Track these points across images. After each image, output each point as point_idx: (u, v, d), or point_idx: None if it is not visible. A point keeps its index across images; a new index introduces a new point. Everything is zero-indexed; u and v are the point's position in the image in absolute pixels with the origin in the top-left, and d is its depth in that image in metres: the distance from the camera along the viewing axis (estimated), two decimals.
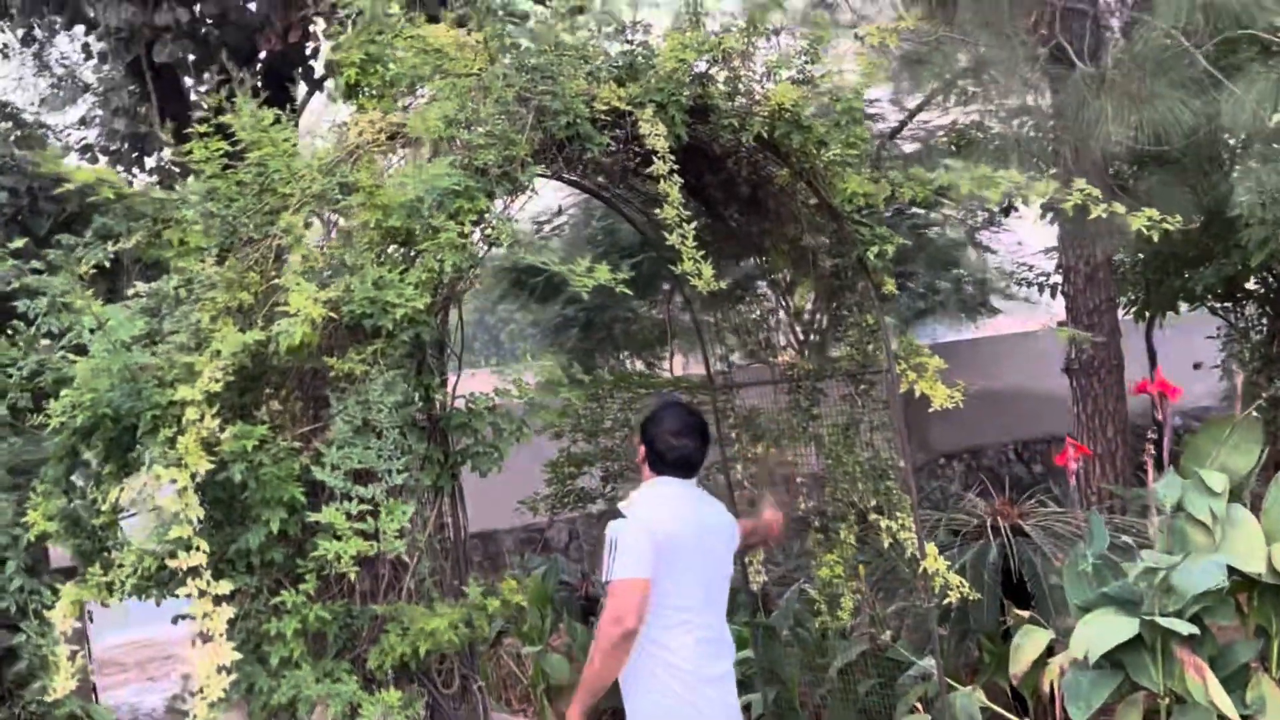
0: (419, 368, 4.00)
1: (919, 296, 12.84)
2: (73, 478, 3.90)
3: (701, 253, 3.84)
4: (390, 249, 3.90)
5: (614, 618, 3.87)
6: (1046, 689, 4.88)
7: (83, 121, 11.69)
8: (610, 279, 3.60)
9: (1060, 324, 9.22)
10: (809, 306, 5.40)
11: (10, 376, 3.72)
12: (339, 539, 3.44)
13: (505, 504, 10.71)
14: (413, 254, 3.83)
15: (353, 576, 3.59)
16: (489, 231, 3.87)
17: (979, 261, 12.12)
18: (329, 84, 8.39)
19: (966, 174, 4.58)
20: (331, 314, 3.64)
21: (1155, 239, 4.45)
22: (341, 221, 4.10)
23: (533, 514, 10.90)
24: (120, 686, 12.28)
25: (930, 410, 4.84)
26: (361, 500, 3.49)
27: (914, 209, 12.18)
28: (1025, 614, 5.19)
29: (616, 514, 4.01)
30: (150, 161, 10.31)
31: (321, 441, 3.71)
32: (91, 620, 11.94)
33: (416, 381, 3.96)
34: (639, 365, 14.38)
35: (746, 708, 6.72)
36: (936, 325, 16.54)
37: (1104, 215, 4.38)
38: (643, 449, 4.17)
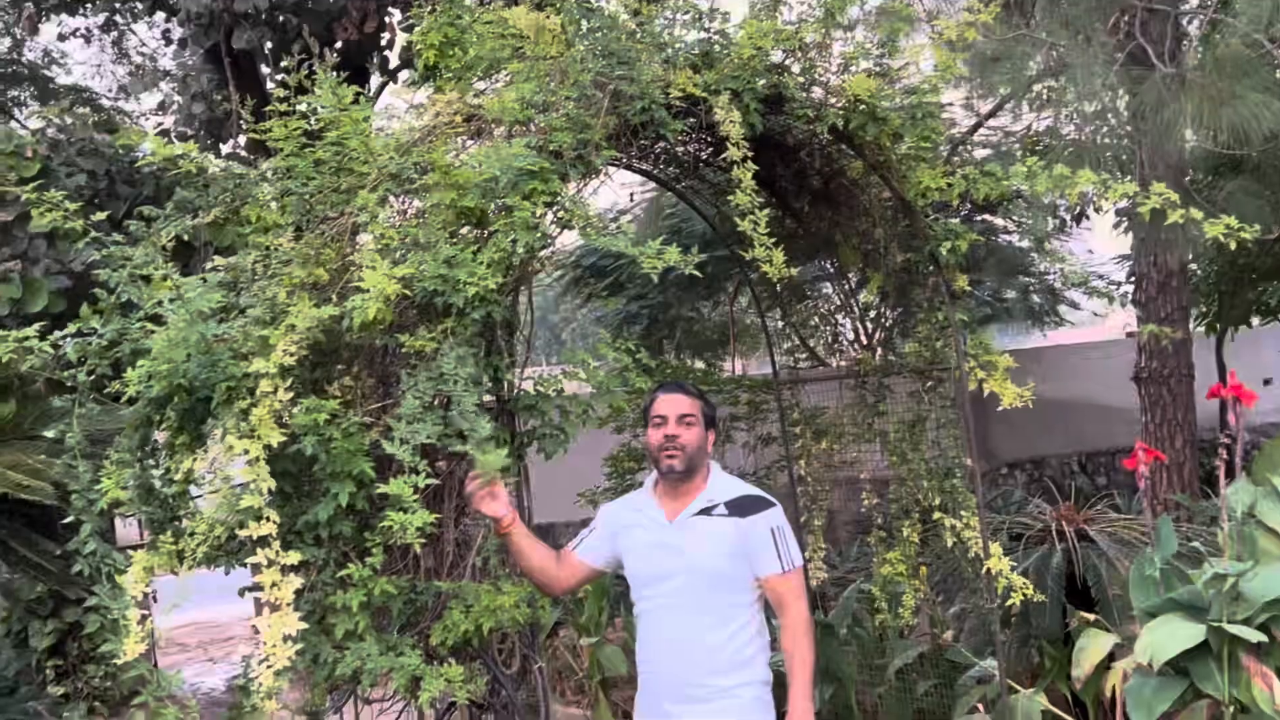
0: (488, 348, 4.03)
1: (985, 303, 12.75)
2: (146, 447, 3.96)
3: (773, 240, 3.83)
4: (463, 230, 3.94)
5: (808, 603, 3.73)
6: (1108, 694, 4.81)
7: (161, 107, 11.89)
8: (680, 260, 3.59)
9: (1131, 333, 9.10)
10: (877, 302, 5.37)
11: (90, 344, 3.78)
12: (406, 512, 3.48)
13: (564, 497, 10.74)
14: (485, 234, 3.86)
15: (418, 549, 3.62)
16: (561, 214, 3.88)
17: (1055, 259, 11.92)
18: (405, 73, 8.47)
19: (1043, 173, 4.53)
20: (404, 291, 3.68)
21: (1232, 246, 4.37)
22: (416, 202, 4.15)
23: (592, 507, 10.94)
24: (181, 666, 12.45)
25: (999, 409, 4.80)
26: (431, 474, 3.52)
27: (983, 215, 12.12)
28: (1090, 617, 5.13)
29: (760, 503, 3.74)
30: (225, 148, 10.46)
31: (391, 417, 3.75)
32: (155, 599, 12.12)
33: (486, 362, 3.99)
34: (699, 365, 14.38)
35: None
36: (1002, 333, 16.41)
37: (1180, 221, 4.30)
38: (712, 437, 3.90)
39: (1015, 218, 11.39)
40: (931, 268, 4.83)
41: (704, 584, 3.67)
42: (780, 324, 6.04)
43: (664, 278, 12.81)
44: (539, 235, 3.69)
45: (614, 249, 3.77)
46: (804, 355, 5.96)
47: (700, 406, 3.82)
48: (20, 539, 4.36)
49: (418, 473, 3.52)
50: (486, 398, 4.06)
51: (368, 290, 3.57)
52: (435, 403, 3.68)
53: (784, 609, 3.66)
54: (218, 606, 14.94)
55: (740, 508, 3.69)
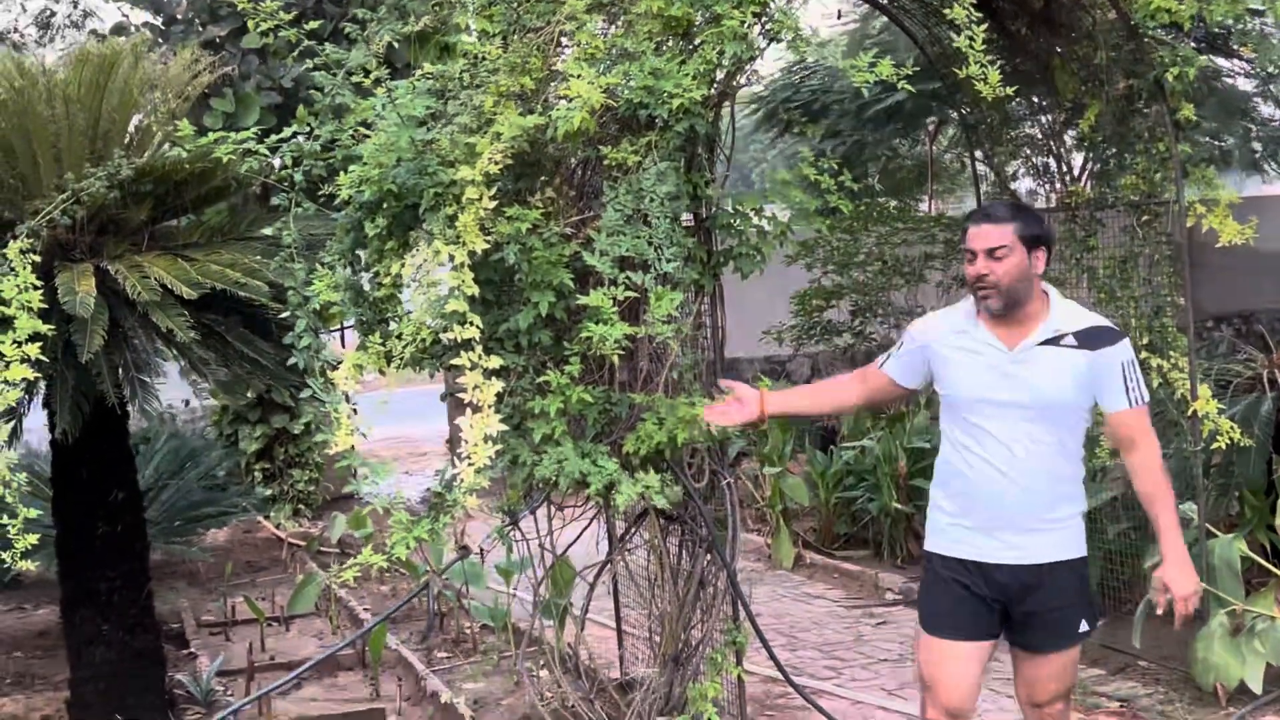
0: (689, 164, 4.00)
1: (1201, 145, 12.09)
2: (357, 251, 4.07)
3: (990, 57, 3.68)
4: (670, 42, 3.88)
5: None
6: None
7: None
8: (892, 75, 3.47)
9: None
10: (1092, 133, 5.12)
11: (306, 146, 3.89)
12: (604, 324, 3.53)
13: (749, 333, 10.79)
14: (691, 47, 3.81)
15: (615, 360, 3.67)
16: (770, 25, 3.78)
17: None
18: None
19: None
20: (609, 102, 3.67)
21: None
22: (622, 16, 4.10)
23: (777, 344, 10.97)
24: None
25: (1209, 256, 4.59)
26: (629, 286, 3.56)
27: (1207, 55, 11.42)
28: None
29: (1111, 335, 3.44)
30: None
31: (592, 229, 3.78)
32: (356, 412, 12.60)
33: (686, 178, 3.97)
34: (893, 204, 14.08)
35: None
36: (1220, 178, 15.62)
37: None
38: (1043, 257, 3.46)
39: (1243, 55, 10.73)
40: (1152, 97, 4.58)
41: (1048, 416, 3.45)
42: (982, 164, 5.81)
43: (860, 112, 12.52)
44: (746, 46, 3.62)
45: (823, 62, 3.69)
46: (1008, 192, 5.75)
47: (1015, 230, 3.42)
48: (236, 335, 4.58)
49: (616, 285, 3.58)
50: (685, 216, 4.06)
51: (573, 99, 3.58)
52: (635, 216, 3.69)
53: (1134, 447, 3.46)
54: (414, 424, 15.57)
55: (1090, 339, 3.42)
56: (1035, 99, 5.46)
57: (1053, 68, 5.03)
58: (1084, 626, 3.53)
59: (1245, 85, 12.74)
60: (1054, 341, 3.42)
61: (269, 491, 10.55)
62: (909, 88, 3.51)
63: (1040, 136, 5.47)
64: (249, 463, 10.63)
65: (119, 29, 9.51)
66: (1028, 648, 3.59)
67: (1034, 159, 5.44)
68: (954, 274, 9.39)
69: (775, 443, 8.50)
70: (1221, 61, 11.54)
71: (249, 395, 9.84)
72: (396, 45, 4.11)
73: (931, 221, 9.51)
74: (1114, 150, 5.02)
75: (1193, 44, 11.13)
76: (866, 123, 12.95)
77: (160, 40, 9.44)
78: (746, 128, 15.67)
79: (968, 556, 3.55)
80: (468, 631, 6.72)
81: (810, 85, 12.79)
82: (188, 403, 11.06)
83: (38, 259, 3.89)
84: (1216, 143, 12.56)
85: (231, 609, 7.43)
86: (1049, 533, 3.49)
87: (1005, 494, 3.48)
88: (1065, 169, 5.40)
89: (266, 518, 10.27)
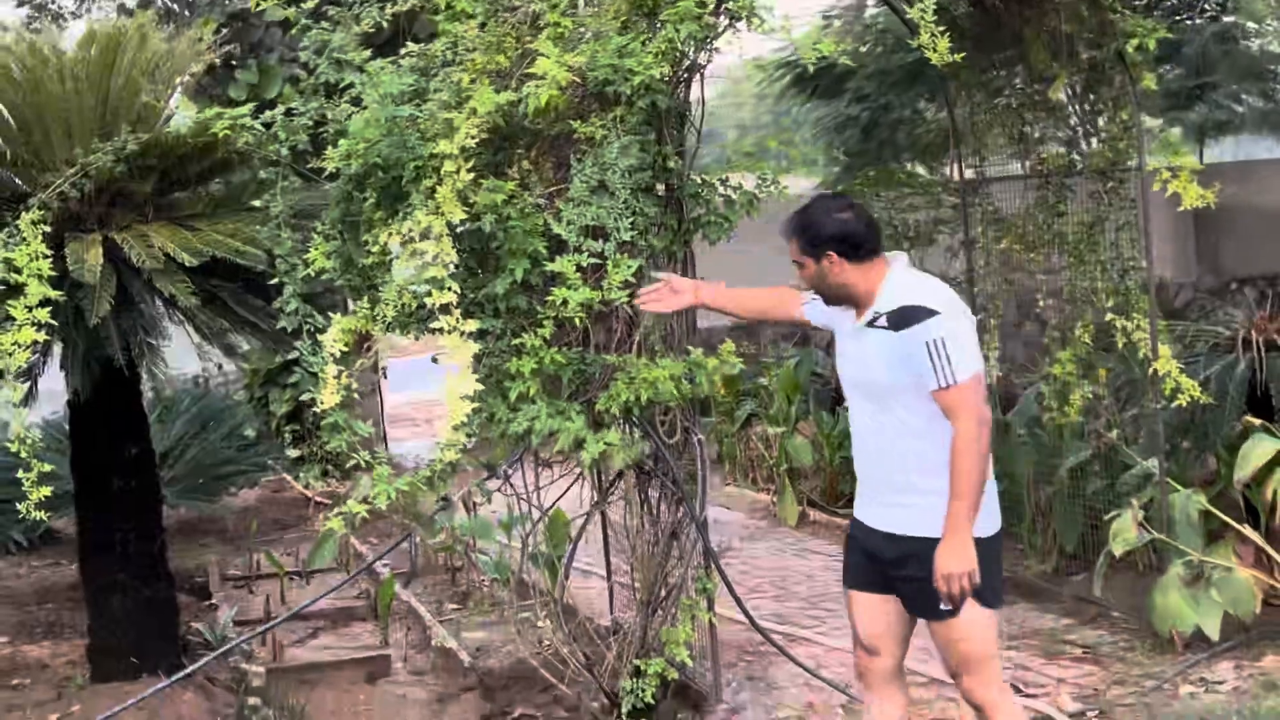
0: (658, 137, 4.21)
1: (1219, 108, 12.07)
2: (348, 221, 4.32)
3: (943, 29, 3.86)
4: (636, 21, 4.08)
5: (980, 417, 3.38)
6: (1268, 497, 4.84)
7: None
8: (833, 50, 3.66)
9: None
10: (1064, 100, 5.28)
11: (293, 121, 4.13)
12: (571, 288, 3.78)
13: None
14: (658, 24, 4.01)
15: (577, 323, 3.90)
16: (730, 5, 3.97)
17: None
18: None
19: None
20: (577, 79, 3.89)
21: None
22: None
23: None
24: (409, 439, 13.29)
25: (1245, 215, 4.74)
26: (592, 254, 3.79)
27: (1226, 17, 11.40)
28: (1257, 421, 5.10)
29: (916, 314, 3.41)
30: None
31: (563, 200, 4.01)
32: (386, 376, 12.91)
33: (656, 150, 4.18)
34: (920, 170, 14.15)
35: None
36: (1252, 141, 15.54)
37: None
38: (833, 256, 3.50)
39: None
40: (1114, 68, 4.74)
41: (875, 394, 3.58)
42: (972, 125, 5.98)
43: (883, 77, 12.60)
44: (701, 25, 3.81)
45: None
46: (992, 157, 5.93)
47: (796, 247, 3.58)
48: (237, 300, 4.85)
49: (581, 252, 3.82)
50: (656, 184, 4.26)
51: (542, 77, 3.81)
52: (602, 186, 3.92)
53: (952, 422, 3.41)
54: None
55: (897, 320, 3.46)
56: (1009, 70, 5.61)
57: (1027, 40, 5.18)
58: (945, 606, 3.46)
59: (1274, 47, 12.70)
60: (872, 323, 3.53)
61: (299, 453, 10.87)
62: (848, 61, 3.68)
63: (1016, 105, 5.64)
64: (279, 425, 10.95)
65: (145, 2, 9.78)
66: (908, 610, 3.66)
67: (1011, 129, 5.61)
68: (961, 239, 9.51)
69: (781, 403, 8.71)
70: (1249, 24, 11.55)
71: (275, 360, 10.19)
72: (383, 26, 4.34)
73: (939, 186, 9.62)
74: (1081, 119, 5.18)
75: (1214, 5, 11.14)
76: (891, 86, 13.02)
77: (187, 12, 9.72)
78: (776, 91, 15.77)
79: (857, 515, 3.75)
80: (478, 584, 7.01)
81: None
82: (221, 366, 11.41)
83: (49, 230, 4.17)
84: (1236, 105, 12.53)
85: (256, 563, 7.73)
86: (908, 508, 3.53)
87: (866, 463, 3.69)
88: (1039, 137, 5.56)
89: (296, 478, 10.59)
